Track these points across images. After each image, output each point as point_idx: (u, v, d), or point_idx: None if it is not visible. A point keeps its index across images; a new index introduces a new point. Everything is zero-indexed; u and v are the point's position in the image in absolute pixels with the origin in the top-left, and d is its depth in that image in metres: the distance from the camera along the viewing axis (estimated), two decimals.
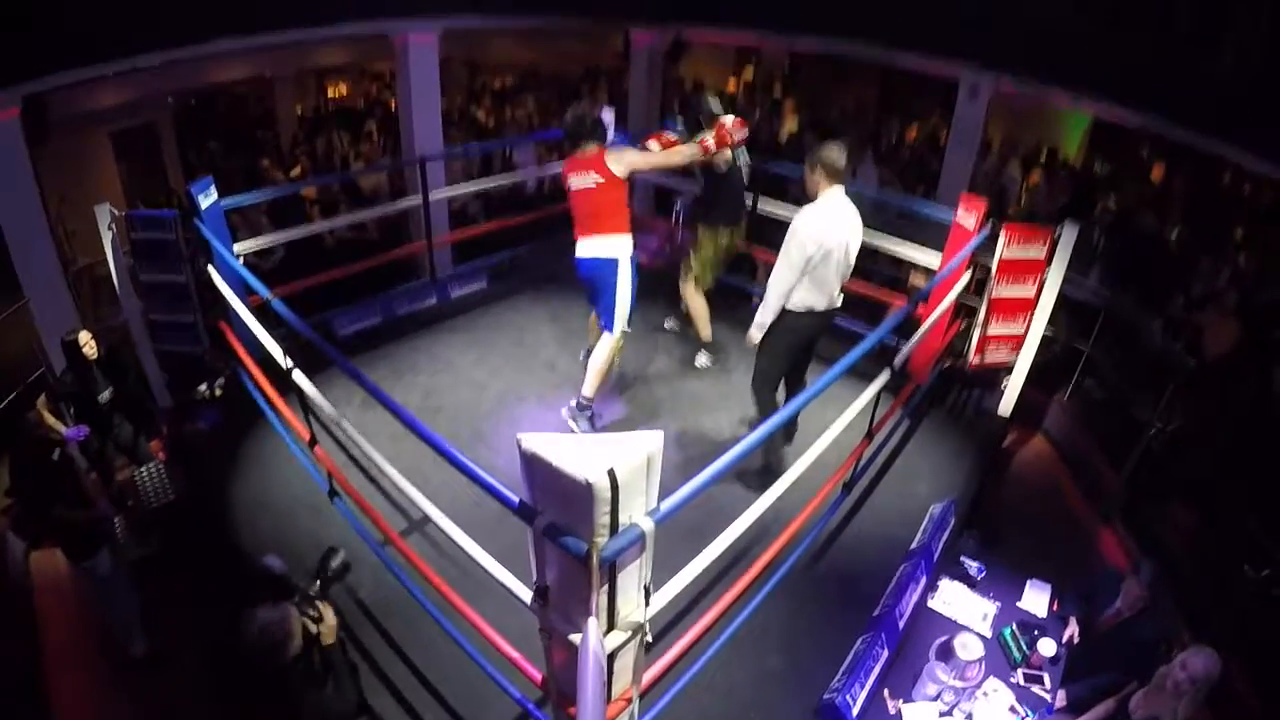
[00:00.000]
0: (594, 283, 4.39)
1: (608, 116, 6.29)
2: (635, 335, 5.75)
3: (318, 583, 2.73)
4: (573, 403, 4.52)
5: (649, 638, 2.30)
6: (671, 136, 4.82)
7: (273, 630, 2.39)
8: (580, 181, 4.24)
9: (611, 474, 1.85)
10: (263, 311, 4.12)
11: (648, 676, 2.60)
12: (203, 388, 4.89)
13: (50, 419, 4.20)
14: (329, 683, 2.65)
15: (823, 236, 3.74)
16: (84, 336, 4.28)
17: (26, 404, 4.43)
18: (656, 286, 6.65)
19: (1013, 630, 3.60)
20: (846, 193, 3.86)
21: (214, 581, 3.72)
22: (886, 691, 3.27)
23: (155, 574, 4.00)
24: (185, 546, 4.08)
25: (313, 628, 2.61)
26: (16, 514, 4.15)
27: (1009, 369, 5.08)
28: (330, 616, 2.67)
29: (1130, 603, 3.57)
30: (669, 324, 5.92)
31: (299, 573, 3.58)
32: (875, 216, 6.73)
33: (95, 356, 4.36)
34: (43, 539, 4.20)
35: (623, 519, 1.95)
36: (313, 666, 2.61)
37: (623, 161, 4.20)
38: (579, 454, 1.89)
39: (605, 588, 2.03)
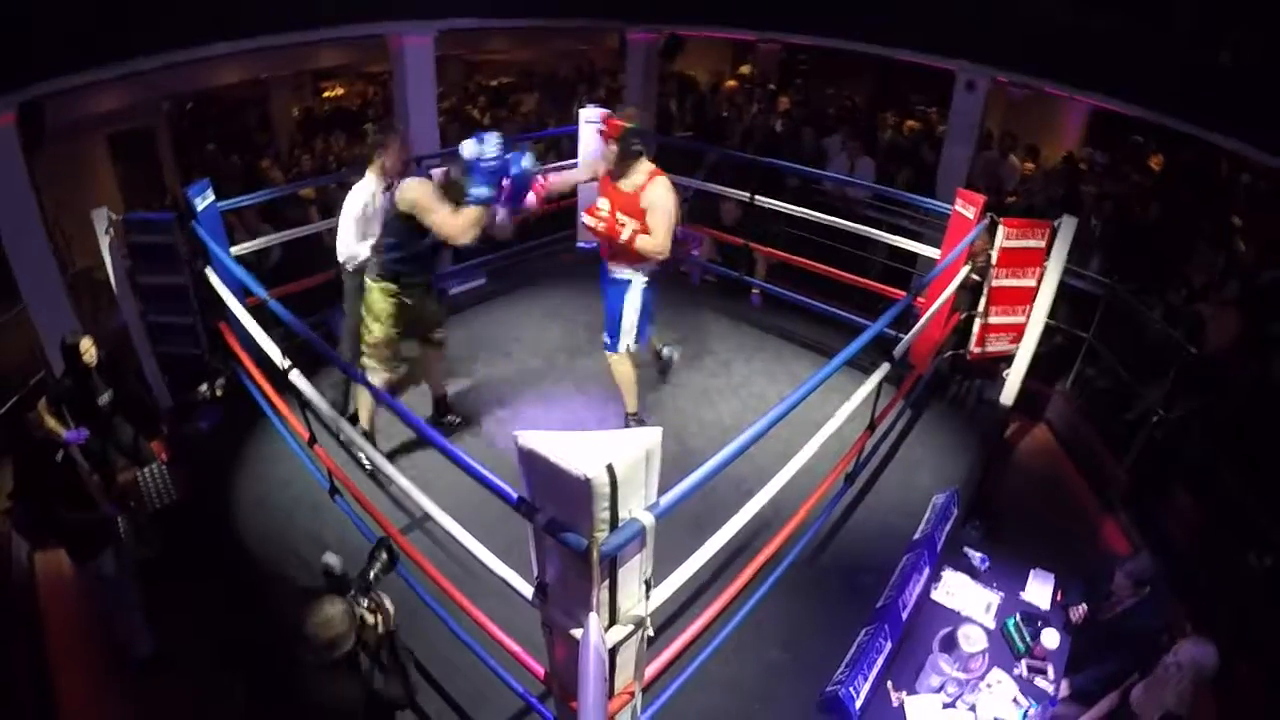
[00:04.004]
0: None
1: (601, 116, 6.30)
2: None
3: (371, 575, 2.76)
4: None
5: (651, 632, 2.30)
6: None
7: (335, 624, 2.43)
8: None
9: (610, 469, 1.85)
10: (261, 312, 4.11)
11: (650, 670, 2.60)
12: (203, 388, 4.90)
13: (50, 421, 4.20)
14: (386, 672, 2.70)
15: None
16: (85, 343, 4.27)
17: (28, 407, 4.42)
18: (655, 281, 6.65)
19: (1016, 621, 3.60)
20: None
21: (216, 582, 3.73)
22: (890, 683, 3.27)
23: (158, 575, 4.00)
24: (188, 547, 4.09)
25: (370, 618, 2.65)
26: (20, 515, 4.16)
27: (1010, 359, 5.08)
28: (388, 605, 2.71)
29: (1127, 592, 3.56)
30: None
31: (297, 570, 3.62)
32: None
33: (94, 363, 4.36)
34: (47, 540, 4.21)
35: (622, 514, 1.95)
36: (372, 657, 2.67)
37: None
38: (577, 450, 1.89)
39: (606, 583, 2.03)
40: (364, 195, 4.19)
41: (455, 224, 3.57)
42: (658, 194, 3.94)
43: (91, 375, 4.34)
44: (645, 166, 4.04)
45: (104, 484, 4.23)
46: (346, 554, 3.73)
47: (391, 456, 3.30)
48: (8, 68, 4.54)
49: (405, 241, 3.76)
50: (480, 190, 3.49)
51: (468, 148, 3.47)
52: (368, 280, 3.90)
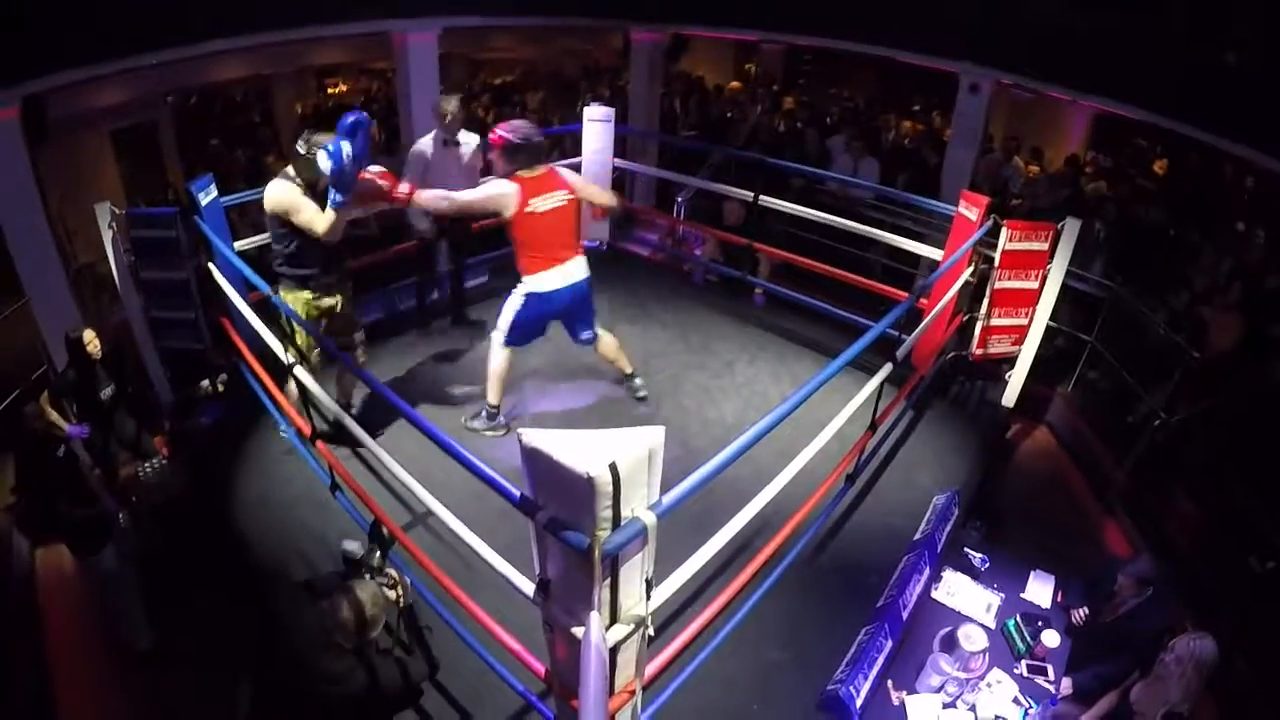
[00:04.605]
0: (586, 302, 4.40)
1: (605, 114, 6.31)
2: (637, 329, 5.78)
3: (377, 554, 2.83)
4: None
5: (652, 631, 2.30)
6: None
7: (369, 604, 2.54)
8: (554, 200, 4.08)
9: (613, 467, 1.84)
10: (265, 307, 4.12)
11: (651, 668, 2.60)
12: (205, 384, 4.90)
13: (53, 415, 4.21)
14: (413, 647, 2.85)
15: None
16: (88, 335, 4.30)
17: (30, 402, 4.43)
18: (657, 281, 6.66)
19: (1016, 621, 3.60)
20: None
21: (217, 577, 3.73)
22: (890, 683, 3.27)
23: (159, 569, 4.01)
24: (189, 542, 4.09)
25: (391, 594, 2.77)
26: (22, 510, 4.16)
27: (1012, 361, 5.08)
28: (403, 579, 2.86)
29: (1130, 592, 3.56)
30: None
31: (299, 565, 3.63)
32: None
33: (99, 356, 4.37)
34: (47, 535, 4.22)
35: (624, 513, 1.94)
36: (394, 636, 2.81)
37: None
38: (580, 448, 1.88)
39: (607, 581, 2.03)
40: (424, 145, 4.91)
41: (322, 224, 3.75)
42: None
43: (95, 369, 4.35)
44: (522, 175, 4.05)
45: (106, 478, 4.25)
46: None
47: (393, 453, 3.29)
48: (11, 62, 4.54)
49: (285, 247, 3.90)
50: (337, 196, 3.69)
51: (321, 160, 3.61)
52: (281, 293, 3.95)
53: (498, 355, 4.41)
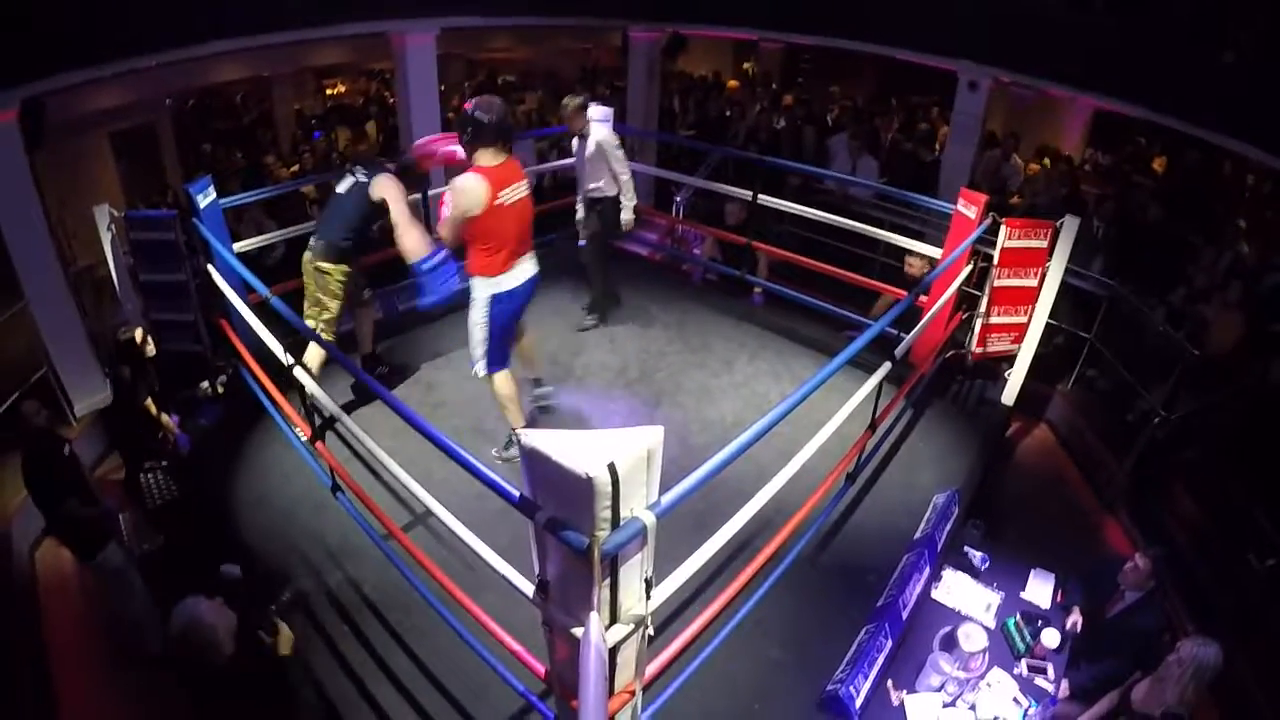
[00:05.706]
0: (527, 304, 4.13)
1: (604, 113, 6.30)
2: (636, 329, 5.78)
3: (274, 606, 2.97)
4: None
5: (651, 630, 2.30)
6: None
7: (203, 628, 2.46)
8: (520, 191, 3.75)
9: (612, 468, 1.84)
10: (263, 308, 4.12)
11: (651, 668, 2.59)
12: (204, 385, 4.90)
13: (159, 414, 4.42)
14: (271, 692, 2.79)
15: None
16: (139, 334, 4.35)
17: (28, 400, 4.42)
18: (656, 281, 6.65)
19: (1016, 621, 3.60)
20: None
21: (216, 579, 3.73)
22: (890, 682, 3.28)
23: (162, 571, 4.01)
24: (188, 543, 4.09)
25: (266, 639, 2.77)
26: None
27: (1011, 359, 5.07)
28: (286, 632, 2.86)
29: (1135, 580, 3.54)
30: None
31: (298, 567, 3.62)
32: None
33: (152, 354, 4.48)
34: (48, 536, 4.23)
35: (624, 512, 1.94)
36: (259, 675, 2.72)
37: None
38: (579, 448, 1.88)
39: (607, 581, 2.03)
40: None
41: (413, 245, 3.87)
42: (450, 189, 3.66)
43: (147, 368, 4.39)
44: (477, 161, 3.67)
45: (128, 475, 4.28)
46: (347, 553, 3.76)
47: (393, 454, 3.29)
48: (9, 64, 4.54)
49: (363, 229, 4.34)
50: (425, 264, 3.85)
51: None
52: (324, 265, 4.30)
53: (498, 382, 4.08)
